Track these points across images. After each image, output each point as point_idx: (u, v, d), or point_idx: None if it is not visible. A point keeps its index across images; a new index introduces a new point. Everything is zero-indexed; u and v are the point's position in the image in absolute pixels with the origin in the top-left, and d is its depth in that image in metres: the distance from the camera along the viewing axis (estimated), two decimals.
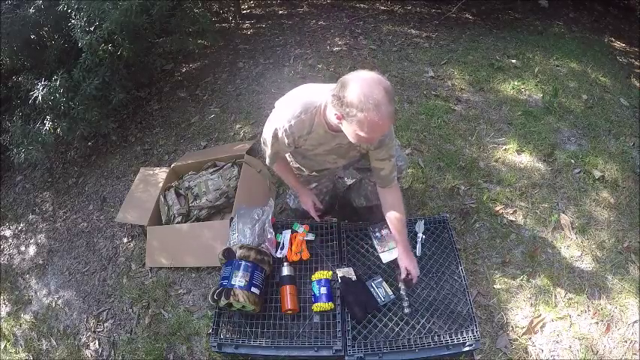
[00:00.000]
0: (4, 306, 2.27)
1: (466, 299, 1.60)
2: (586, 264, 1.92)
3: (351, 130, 1.25)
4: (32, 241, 2.55)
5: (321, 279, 1.62)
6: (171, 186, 2.30)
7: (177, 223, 2.18)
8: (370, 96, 1.15)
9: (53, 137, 2.49)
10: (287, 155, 1.72)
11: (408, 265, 1.60)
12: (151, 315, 2.00)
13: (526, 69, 3.16)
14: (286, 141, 1.43)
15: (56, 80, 2.35)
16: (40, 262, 2.42)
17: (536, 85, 2.97)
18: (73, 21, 2.34)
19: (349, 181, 2.26)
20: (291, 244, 1.78)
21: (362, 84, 1.18)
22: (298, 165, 1.79)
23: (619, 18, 4.37)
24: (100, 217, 2.55)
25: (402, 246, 1.61)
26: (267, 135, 1.50)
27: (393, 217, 1.59)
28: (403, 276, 1.61)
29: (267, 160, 1.60)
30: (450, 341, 1.48)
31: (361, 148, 1.52)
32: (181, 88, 3.38)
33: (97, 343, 1.97)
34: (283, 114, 1.41)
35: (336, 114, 1.25)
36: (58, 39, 2.62)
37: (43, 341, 2.05)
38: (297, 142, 1.44)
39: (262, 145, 1.59)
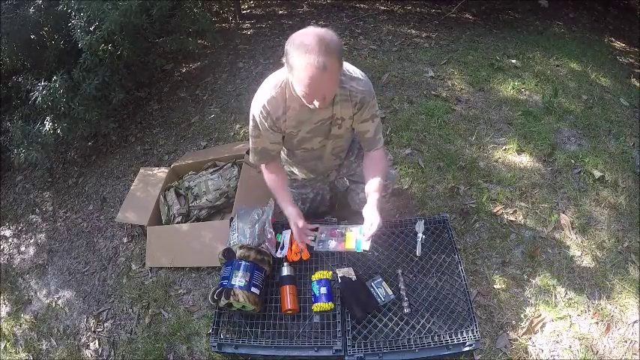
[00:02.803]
0: (4, 306, 2.27)
1: (466, 299, 1.60)
2: (586, 264, 1.92)
3: (295, 86, 1.26)
4: (32, 241, 2.55)
5: (321, 279, 1.61)
6: (172, 186, 2.31)
7: (177, 223, 2.18)
8: (300, 42, 1.17)
9: (53, 137, 2.49)
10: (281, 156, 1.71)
11: (373, 219, 1.45)
12: (151, 315, 2.00)
13: (526, 69, 3.16)
14: (266, 124, 1.43)
15: (56, 81, 2.35)
16: (40, 262, 2.42)
17: (536, 85, 2.98)
18: (73, 21, 2.34)
19: (349, 182, 2.26)
20: (291, 244, 1.78)
21: (298, 34, 1.20)
22: (291, 169, 1.79)
23: (619, 18, 4.37)
24: (100, 217, 2.55)
25: (373, 202, 1.48)
26: (250, 132, 1.51)
27: (372, 179, 1.52)
28: (366, 227, 1.46)
29: (252, 157, 1.59)
30: (450, 341, 1.48)
31: (341, 118, 1.49)
32: (181, 88, 3.38)
33: (97, 343, 1.97)
34: (256, 100, 1.43)
35: (287, 68, 1.26)
36: (58, 39, 2.62)
37: (43, 341, 2.05)
38: (277, 124, 1.44)
39: (252, 151, 1.58)
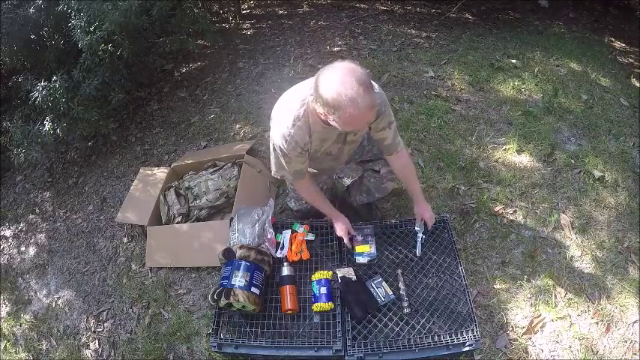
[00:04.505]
0: (4, 306, 2.27)
1: (466, 299, 1.60)
2: (586, 264, 1.92)
3: (337, 124, 1.26)
4: (32, 241, 2.55)
5: (321, 279, 1.62)
6: (172, 186, 2.31)
7: (177, 223, 2.18)
8: (343, 93, 1.15)
9: (53, 137, 2.49)
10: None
11: (424, 212, 1.74)
12: (151, 315, 2.00)
13: (526, 69, 3.16)
14: (296, 153, 1.43)
15: (56, 81, 2.36)
16: (40, 262, 2.42)
17: (536, 85, 2.97)
18: (73, 21, 2.34)
19: (348, 181, 2.26)
20: (291, 244, 1.78)
21: (333, 82, 1.18)
22: None
23: (619, 18, 4.38)
24: (100, 217, 2.55)
25: (418, 196, 1.75)
26: (277, 159, 1.51)
27: (406, 174, 1.70)
28: (418, 222, 1.78)
29: (292, 179, 1.59)
30: (450, 341, 1.48)
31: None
32: (181, 88, 3.38)
33: (97, 343, 1.98)
34: (280, 132, 1.40)
35: (320, 114, 1.27)
36: (58, 39, 2.62)
37: (43, 341, 2.06)
38: (305, 148, 1.44)
39: (277, 169, 1.58)
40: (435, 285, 1.66)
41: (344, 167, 1.94)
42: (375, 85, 1.45)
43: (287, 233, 1.81)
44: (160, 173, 2.40)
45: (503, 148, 2.49)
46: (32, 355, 2.01)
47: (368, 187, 1.89)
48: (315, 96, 1.24)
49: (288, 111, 1.39)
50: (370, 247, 1.75)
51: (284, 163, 1.51)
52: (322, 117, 1.29)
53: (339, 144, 1.56)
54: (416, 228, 1.81)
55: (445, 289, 1.65)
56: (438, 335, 1.50)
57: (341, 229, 1.74)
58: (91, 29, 2.34)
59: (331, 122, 1.27)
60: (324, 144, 1.51)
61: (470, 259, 1.97)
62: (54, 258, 2.42)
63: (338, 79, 1.17)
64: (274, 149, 1.49)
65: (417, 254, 1.76)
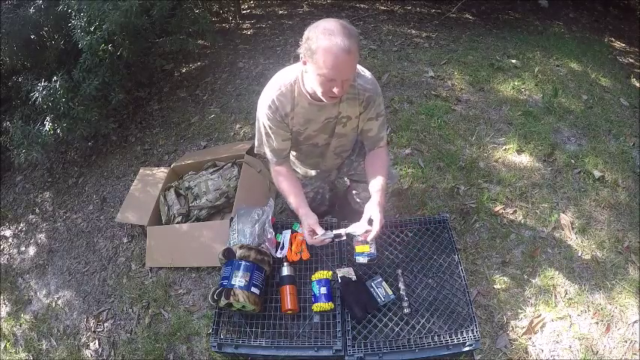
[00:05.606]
0: (4, 306, 2.27)
1: (466, 299, 1.60)
2: (586, 264, 1.92)
3: (313, 74, 1.26)
4: (32, 241, 2.55)
5: (321, 279, 1.61)
6: (171, 186, 2.31)
7: (177, 223, 2.18)
8: (324, 27, 1.20)
9: (53, 137, 2.49)
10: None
11: (374, 216, 1.43)
12: (151, 315, 2.00)
13: (526, 69, 3.16)
14: (276, 120, 1.44)
15: (56, 81, 2.36)
16: (40, 262, 2.42)
17: (536, 85, 2.97)
18: (73, 21, 2.34)
19: (349, 181, 2.26)
20: (291, 244, 1.78)
21: (319, 22, 1.23)
22: (293, 167, 1.79)
23: (619, 18, 4.38)
24: (100, 217, 2.55)
25: (377, 200, 1.46)
26: (259, 132, 1.53)
27: (375, 180, 1.51)
28: (362, 230, 1.45)
29: (270, 157, 1.58)
30: (450, 341, 1.48)
31: (347, 117, 1.49)
32: (181, 88, 3.38)
33: (97, 343, 1.97)
34: (264, 97, 1.44)
35: (302, 59, 1.28)
36: (58, 39, 2.62)
37: (43, 341, 2.06)
38: (285, 120, 1.45)
39: (259, 146, 1.60)
40: (435, 285, 1.66)
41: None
42: (368, 73, 1.46)
43: (287, 233, 1.81)
44: (160, 173, 2.40)
45: (503, 148, 2.49)
46: (32, 355, 2.01)
47: (362, 199, 1.89)
48: (302, 44, 1.26)
49: (276, 78, 1.43)
50: (370, 247, 1.74)
51: (264, 136, 1.53)
52: (302, 64, 1.29)
53: (325, 134, 1.56)
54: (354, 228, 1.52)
55: (445, 289, 1.65)
56: (438, 335, 1.50)
57: (305, 227, 1.53)
58: (91, 29, 2.35)
59: (309, 70, 1.27)
60: (309, 126, 1.50)
61: (470, 259, 1.97)
62: (54, 258, 2.42)
63: (324, 20, 1.23)
64: (257, 120, 1.52)
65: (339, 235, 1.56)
